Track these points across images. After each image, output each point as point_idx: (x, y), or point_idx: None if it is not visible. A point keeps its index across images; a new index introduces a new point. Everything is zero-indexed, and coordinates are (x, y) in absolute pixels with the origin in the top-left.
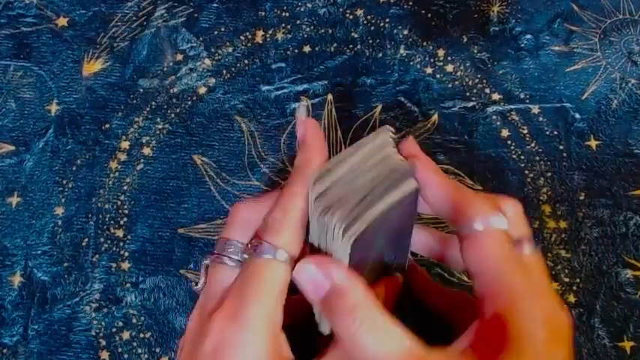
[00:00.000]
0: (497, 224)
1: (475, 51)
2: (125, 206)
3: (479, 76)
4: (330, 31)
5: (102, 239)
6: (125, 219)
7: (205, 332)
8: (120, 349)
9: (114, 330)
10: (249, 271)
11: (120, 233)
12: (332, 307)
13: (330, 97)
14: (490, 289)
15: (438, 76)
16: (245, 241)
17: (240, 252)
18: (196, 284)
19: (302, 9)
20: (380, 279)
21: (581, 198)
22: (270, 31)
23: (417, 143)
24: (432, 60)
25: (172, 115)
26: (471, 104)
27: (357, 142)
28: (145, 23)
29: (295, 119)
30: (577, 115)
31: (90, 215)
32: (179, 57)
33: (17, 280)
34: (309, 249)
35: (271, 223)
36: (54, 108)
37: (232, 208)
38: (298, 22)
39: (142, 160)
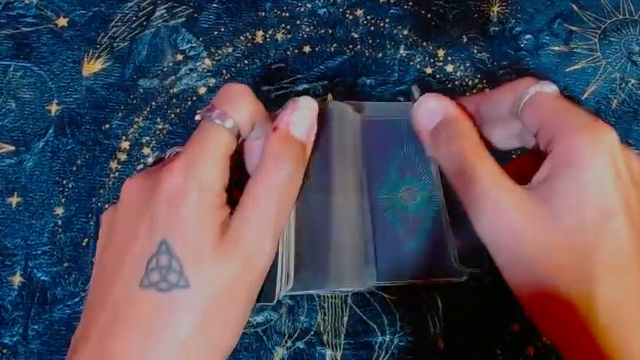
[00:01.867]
0: (549, 88)
1: (475, 51)
2: None
3: (479, 76)
4: (330, 31)
5: None
6: None
7: (159, 183)
8: None
9: None
10: (199, 134)
11: None
12: (441, 134)
13: (330, 97)
14: (553, 134)
15: (437, 76)
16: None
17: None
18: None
19: (302, 9)
20: None
21: None
22: (270, 32)
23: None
24: (432, 60)
25: (172, 116)
26: None
27: None
28: (144, 23)
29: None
30: None
31: (90, 215)
32: (179, 57)
33: (17, 280)
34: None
35: (225, 94)
36: (54, 108)
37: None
38: (298, 22)
39: (142, 161)
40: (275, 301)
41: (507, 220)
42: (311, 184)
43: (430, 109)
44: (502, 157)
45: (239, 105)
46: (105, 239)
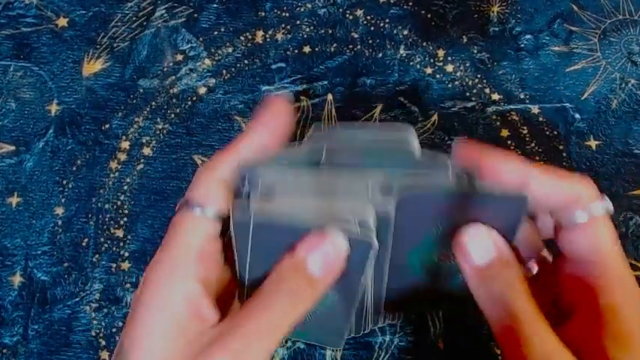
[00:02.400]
0: (602, 210)
1: (475, 51)
2: (125, 206)
3: (479, 76)
4: (330, 31)
5: (102, 239)
6: (125, 219)
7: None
8: None
9: (114, 330)
10: (171, 224)
11: (120, 233)
12: (495, 274)
13: (330, 97)
14: (602, 280)
15: (437, 76)
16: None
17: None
18: None
19: (302, 9)
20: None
21: None
22: (270, 32)
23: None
24: (431, 60)
25: (172, 116)
26: (470, 104)
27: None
28: (144, 23)
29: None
30: (577, 116)
31: (90, 215)
32: (179, 57)
33: (17, 280)
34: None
35: (195, 179)
36: (54, 108)
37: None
38: (298, 22)
39: (142, 160)
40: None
41: None
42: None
43: (484, 245)
44: None
45: (205, 184)
46: None
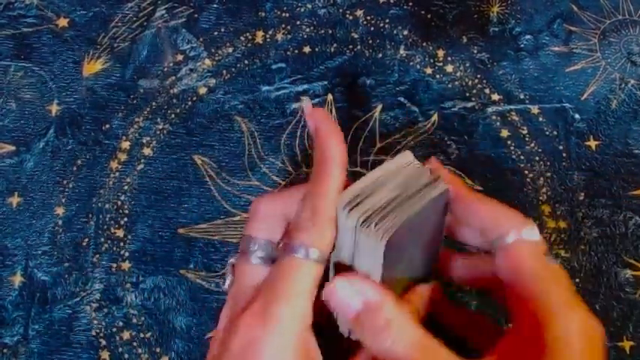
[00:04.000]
0: (531, 236)
1: (475, 51)
2: (125, 206)
3: (478, 76)
4: (330, 31)
5: (102, 239)
6: (125, 219)
7: (234, 330)
8: (120, 349)
9: (114, 330)
10: (280, 269)
11: (120, 233)
12: (364, 324)
13: (330, 97)
14: (525, 301)
15: (437, 76)
16: (269, 236)
17: (265, 248)
18: (223, 283)
19: (302, 9)
20: (408, 290)
21: (581, 198)
22: (270, 32)
23: (440, 163)
24: (431, 60)
25: (173, 116)
26: (470, 104)
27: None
28: (145, 24)
29: (302, 113)
30: (577, 116)
31: (90, 215)
32: (179, 57)
33: (18, 280)
34: (334, 269)
35: (302, 221)
36: (54, 108)
37: (253, 203)
38: (298, 22)
39: (142, 160)
40: None
41: None
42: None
43: (344, 296)
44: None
45: (322, 229)
46: None
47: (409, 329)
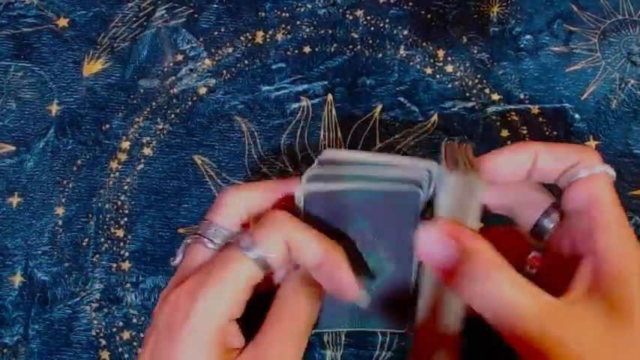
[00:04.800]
0: (600, 168)
1: (475, 51)
2: (125, 206)
3: (478, 76)
4: (330, 31)
5: (102, 239)
6: (125, 219)
7: (164, 305)
8: (120, 349)
9: (114, 330)
10: (221, 256)
11: (120, 233)
12: (466, 273)
13: (330, 97)
14: (595, 229)
15: (437, 76)
16: (227, 225)
17: (219, 236)
18: (173, 260)
19: (302, 9)
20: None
21: None
22: (270, 32)
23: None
24: (431, 60)
25: (173, 116)
26: (470, 104)
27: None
28: (145, 24)
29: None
30: (576, 116)
31: (90, 215)
32: (179, 57)
33: (18, 280)
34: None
35: (267, 222)
36: (54, 108)
37: (221, 191)
38: (298, 22)
39: (142, 160)
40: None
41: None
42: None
43: (441, 247)
44: None
45: (273, 235)
46: None
47: (509, 272)
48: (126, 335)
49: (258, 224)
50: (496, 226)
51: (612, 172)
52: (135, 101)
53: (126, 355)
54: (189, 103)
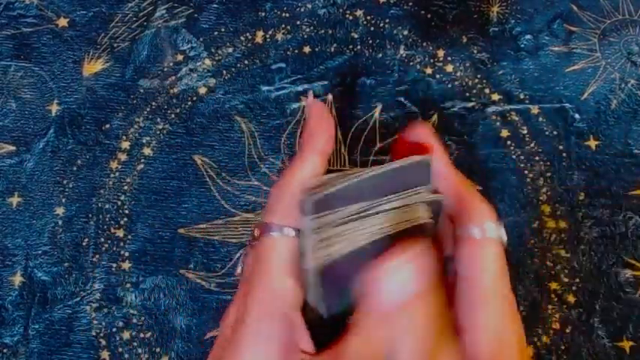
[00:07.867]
0: (494, 232)
1: (475, 51)
2: (125, 206)
3: (478, 76)
4: (330, 31)
5: (102, 239)
6: (125, 219)
7: (225, 315)
8: (120, 349)
9: (114, 330)
10: (255, 253)
11: (120, 233)
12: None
13: (330, 97)
14: (475, 305)
15: (437, 76)
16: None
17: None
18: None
19: (302, 9)
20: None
21: (581, 198)
22: (270, 32)
23: (433, 133)
24: (431, 60)
25: (173, 116)
26: (470, 104)
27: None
28: (145, 24)
29: (302, 112)
30: (576, 116)
31: (90, 215)
32: (179, 57)
33: (18, 280)
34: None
35: (268, 203)
36: (54, 108)
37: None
38: (298, 22)
39: (142, 160)
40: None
41: None
42: None
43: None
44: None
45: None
46: None
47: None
48: (126, 335)
49: (267, 208)
50: None
51: (505, 237)
52: (135, 101)
53: (126, 355)
54: (189, 103)
